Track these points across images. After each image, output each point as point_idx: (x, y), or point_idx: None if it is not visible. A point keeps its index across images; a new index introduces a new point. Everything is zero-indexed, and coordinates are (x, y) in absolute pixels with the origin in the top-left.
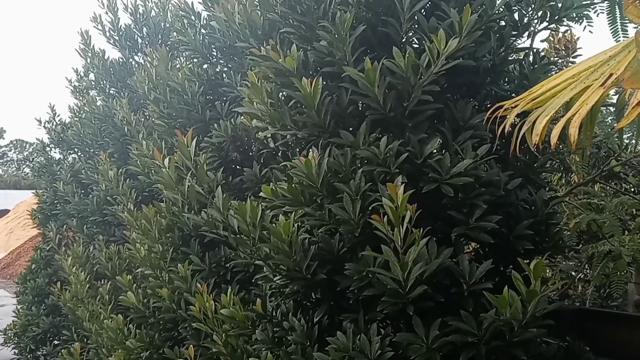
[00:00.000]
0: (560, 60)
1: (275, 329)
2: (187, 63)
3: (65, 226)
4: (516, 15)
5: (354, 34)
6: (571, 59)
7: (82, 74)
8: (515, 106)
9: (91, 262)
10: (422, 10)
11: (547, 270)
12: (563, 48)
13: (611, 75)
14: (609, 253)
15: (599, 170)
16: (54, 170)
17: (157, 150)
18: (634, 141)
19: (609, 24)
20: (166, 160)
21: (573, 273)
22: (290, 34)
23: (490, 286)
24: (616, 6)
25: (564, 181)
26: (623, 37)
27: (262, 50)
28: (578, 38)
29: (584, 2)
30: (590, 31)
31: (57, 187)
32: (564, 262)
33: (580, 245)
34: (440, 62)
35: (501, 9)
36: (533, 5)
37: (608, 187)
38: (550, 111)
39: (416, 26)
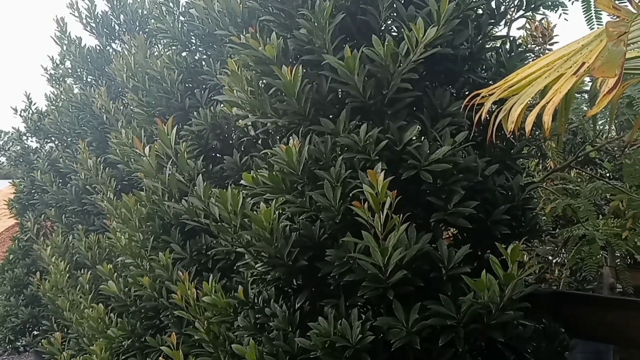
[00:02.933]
0: (537, 48)
1: (257, 316)
2: (166, 51)
3: (43, 216)
4: (493, 4)
5: (334, 22)
6: (548, 46)
7: (58, 62)
8: (492, 94)
9: (70, 252)
10: None
11: (524, 255)
12: (540, 35)
13: (583, 64)
14: (583, 237)
15: (574, 156)
16: (30, 159)
17: (137, 139)
18: (607, 127)
19: (583, 11)
20: (146, 149)
21: (549, 257)
22: (269, 21)
23: (469, 270)
24: None
25: (540, 167)
26: (597, 24)
27: (241, 38)
28: (554, 25)
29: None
30: (565, 19)
31: (35, 176)
32: (541, 247)
33: (557, 230)
34: (419, 51)
35: None
36: None
37: (583, 173)
38: (525, 99)
39: (395, 14)
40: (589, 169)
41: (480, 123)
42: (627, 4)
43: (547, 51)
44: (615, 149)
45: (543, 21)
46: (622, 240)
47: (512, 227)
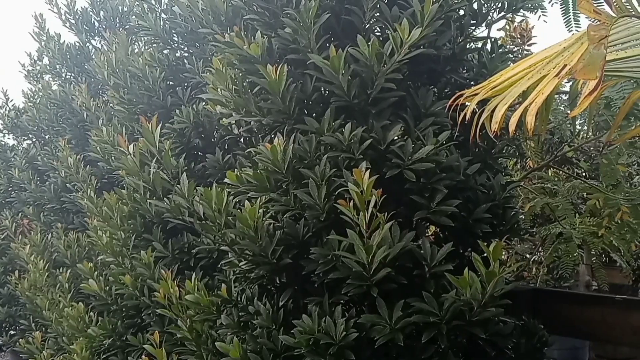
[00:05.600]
0: (516, 48)
1: (240, 314)
2: (147, 48)
3: (20, 214)
4: (475, 5)
5: (319, 22)
6: (526, 47)
7: (35, 58)
8: (476, 94)
9: (49, 251)
10: None
11: (503, 253)
12: (519, 36)
13: (565, 66)
14: (560, 235)
15: (552, 156)
16: (7, 156)
17: (121, 138)
18: (585, 127)
19: (562, 13)
20: (131, 147)
21: (527, 255)
22: (254, 20)
23: (451, 268)
24: None
25: (519, 166)
26: (575, 26)
27: (226, 37)
28: (533, 26)
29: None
30: (544, 20)
31: (12, 174)
32: (519, 245)
33: (534, 228)
34: (404, 51)
35: None
36: None
37: (561, 172)
38: (508, 100)
39: (379, 14)
40: (566, 168)
41: (463, 123)
42: (606, 6)
43: (525, 52)
44: (592, 148)
45: (522, 23)
46: (598, 239)
47: (493, 225)
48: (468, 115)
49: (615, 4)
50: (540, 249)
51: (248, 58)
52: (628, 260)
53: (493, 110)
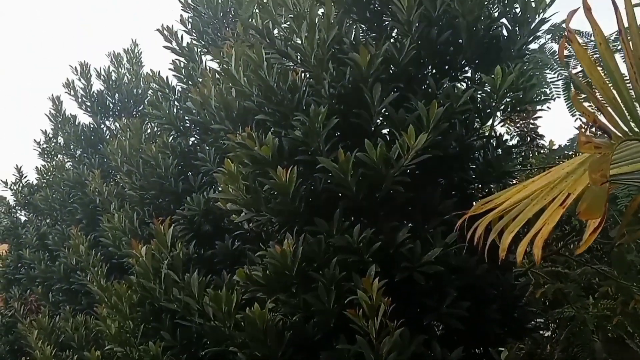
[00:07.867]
0: (521, 122)
1: None
2: (159, 132)
3: (28, 291)
4: (479, 104)
5: (328, 126)
6: (532, 121)
7: (50, 136)
8: (485, 213)
9: (56, 334)
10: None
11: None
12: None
13: (569, 195)
14: (572, 318)
15: (563, 243)
16: (19, 233)
17: (134, 241)
18: None
19: (565, 99)
20: (143, 250)
21: (540, 332)
22: (265, 120)
23: None
24: (571, 85)
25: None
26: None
27: (238, 137)
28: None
29: (544, 98)
30: (548, 107)
31: (23, 253)
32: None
33: (547, 307)
34: (411, 156)
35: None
36: (495, 97)
37: (570, 246)
38: (514, 228)
39: (385, 117)
40: (575, 240)
41: (470, 220)
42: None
43: (531, 126)
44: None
45: None
46: (612, 325)
47: (504, 324)
48: (476, 239)
49: (615, 131)
50: (555, 328)
51: (259, 159)
52: None
53: (499, 232)
